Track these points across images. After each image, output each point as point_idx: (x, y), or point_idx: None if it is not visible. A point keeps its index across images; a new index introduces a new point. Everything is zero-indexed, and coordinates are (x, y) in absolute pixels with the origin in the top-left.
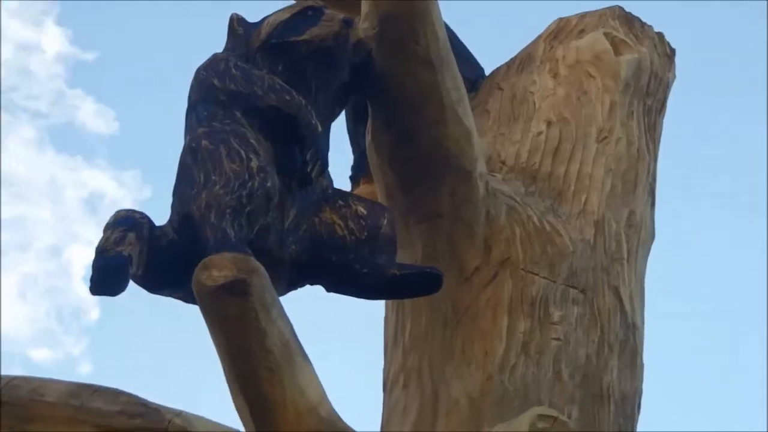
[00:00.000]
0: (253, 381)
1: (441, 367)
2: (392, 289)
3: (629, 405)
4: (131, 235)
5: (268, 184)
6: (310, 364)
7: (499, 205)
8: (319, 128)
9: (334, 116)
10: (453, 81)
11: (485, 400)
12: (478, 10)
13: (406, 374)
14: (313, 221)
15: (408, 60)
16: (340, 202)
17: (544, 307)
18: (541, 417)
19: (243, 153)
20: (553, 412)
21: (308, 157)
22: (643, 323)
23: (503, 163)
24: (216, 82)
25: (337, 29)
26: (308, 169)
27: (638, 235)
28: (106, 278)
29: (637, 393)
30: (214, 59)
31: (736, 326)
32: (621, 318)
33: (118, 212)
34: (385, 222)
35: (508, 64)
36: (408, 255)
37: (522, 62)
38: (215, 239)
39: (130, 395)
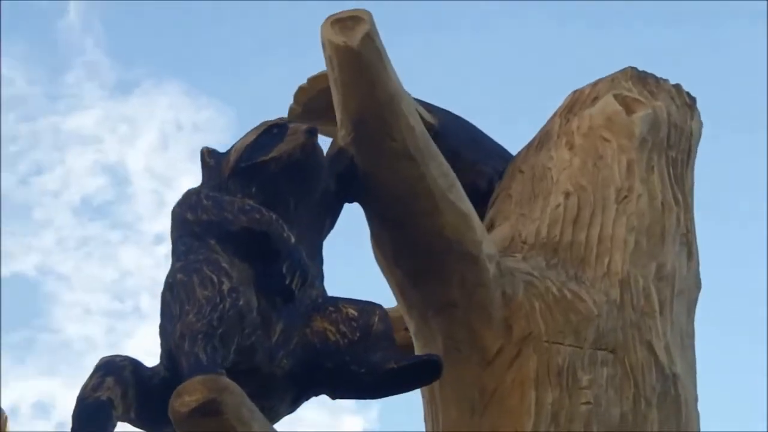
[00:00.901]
0: None
1: None
2: (393, 383)
3: None
4: (109, 380)
5: (240, 303)
6: None
7: (517, 283)
8: (292, 240)
9: (324, 227)
10: (439, 169)
11: None
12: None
13: None
14: (304, 332)
15: (388, 158)
16: (330, 308)
17: (572, 374)
18: None
19: (215, 278)
20: None
21: (284, 269)
22: (689, 372)
23: (524, 242)
24: (189, 215)
25: (302, 140)
26: (287, 282)
27: (671, 286)
28: (88, 425)
29: None
30: (187, 194)
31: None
32: (657, 370)
33: (101, 359)
34: (376, 319)
35: (528, 146)
36: (432, 348)
37: (541, 141)
38: (188, 365)
39: None
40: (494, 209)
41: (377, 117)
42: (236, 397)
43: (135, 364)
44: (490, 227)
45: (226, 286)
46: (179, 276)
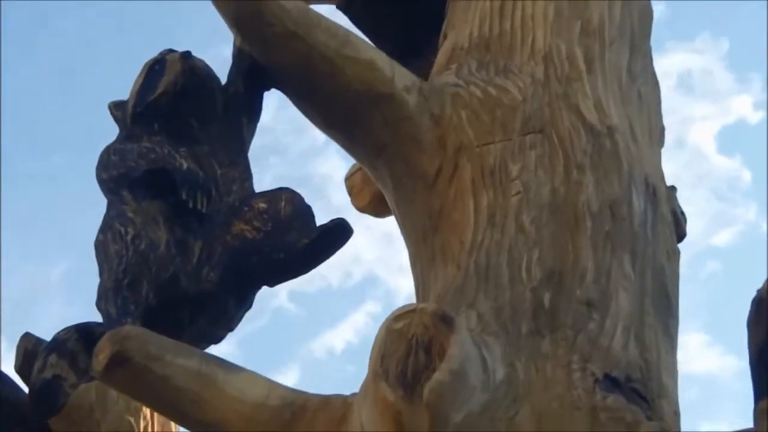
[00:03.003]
0: (188, 419)
1: (428, 280)
2: (311, 256)
3: (614, 206)
4: (52, 357)
5: (142, 247)
6: (243, 369)
7: (444, 100)
8: (185, 166)
9: (243, 128)
10: (326, 33)
11: (447, 294)
12: None
13: None
14: (225, 240)
15: (275, 43)
16: (245, 208)
17: (504, 169)
18: None
19: (123, 230)
20: None
21: (184, 196)
22: (636, 113)
23: (461, 48)
24: (104, 175)
25: (179, 67)
26: (191, 206)
27: (600, 38)
28: (39, 405)
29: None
30: (101, 154)
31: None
32: (586, 131)
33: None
34: (283, 204)
35: None
36: (387, 193)
37: None
38: (105, 323)
39: None
40: (445, 22)
41: (251, 10)
42: (138, 339)
43: (82, 330)
44: (444, 39)
45: (130, 235)
46: (99, 237)
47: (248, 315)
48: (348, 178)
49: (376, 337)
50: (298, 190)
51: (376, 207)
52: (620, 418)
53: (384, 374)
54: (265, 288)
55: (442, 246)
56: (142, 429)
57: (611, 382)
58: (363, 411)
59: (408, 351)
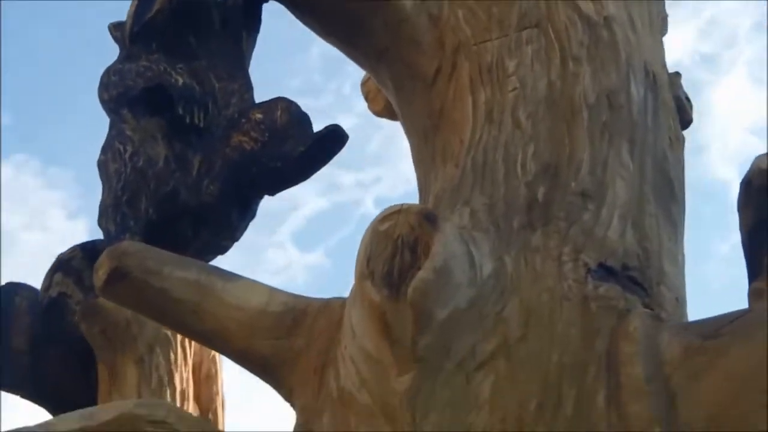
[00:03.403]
0: (188, 330)
1: (429, 180)
2: (309, 163)
3: (611, 96)
4: (57, 276)
5: (140, 164)
6: (243, 277)
7: (441, 2)
8: (181, 82)
9: (242, 40)
10: None
11: (445, 193)
12: None
13: None
14: (224, 152)
15: None
16: (243, 120)
17: (501, 65)
18: None
19: (122, 148)
20: None
21: (181, 111)
22: (629, 6)
23: None
24: (105, 95)
25: None
26: (188, 121)
27: None
28: (50, 320)
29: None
30: (102, 76)
31: None
32: (582, 23)
33: None
34: (279, 113)
35: None
36: (389, 96)
37: None
38: (105, 241)
39: None
40: None
41: None
42: (136, 254)
43: (86, 248)
44: None
45: (128, 153)
46: (101, 157)
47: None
48: (363, 84)
49: (363, 239)
50: None
51: (391, 111)
52: (612, 307)
53: (370, 275)
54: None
55: (442, 145)
56: (180, 341)
57: (606, 271)
58: (353, 313)
59: (394, 251)
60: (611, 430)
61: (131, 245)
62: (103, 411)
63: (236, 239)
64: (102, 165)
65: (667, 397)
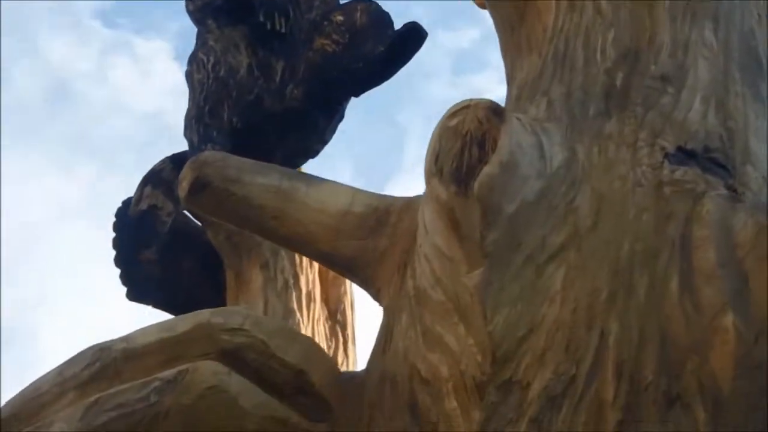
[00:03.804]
0: (272, 235)
1: (515, 71)
2: (389, 62)
3: None
4: (147, 188)
5: (222, 73)
6: (326, 180)
7: None
8: None
9: None
10: None
11: (527, 83)
12: None
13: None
14: (308, 56)
15: None
16: (325, 23)
17: None
18: None
19: (204, 58)
20: None
21: (262, 18)
22: None
23: None
24: (190, 6)
25: None
26: (269, 27)
27: None
28: (138, 236)
29: None
30: None
31: None
32: None
33: None
34: (358, 15)
35: None
36: None
37: None
38: (189, 153)
39: None
40: None
41: None
42: (216, 164)
43: (176, 159)
44: None
45: (211, 63)
46: (187, 68)
47: None
48: None
49: (432, 135)
50: None
51: None
52: (689, 191)
53: (438, 172)
54: None
55: (527, 35)
56: None
57: (685, 155)
58: (426, 211)
59: (462, 147)
60: (685, 316)
61: (211, 155)
62: (182, 322)
63: (326, 142)
64: (188, 76)
65: (740, 280)
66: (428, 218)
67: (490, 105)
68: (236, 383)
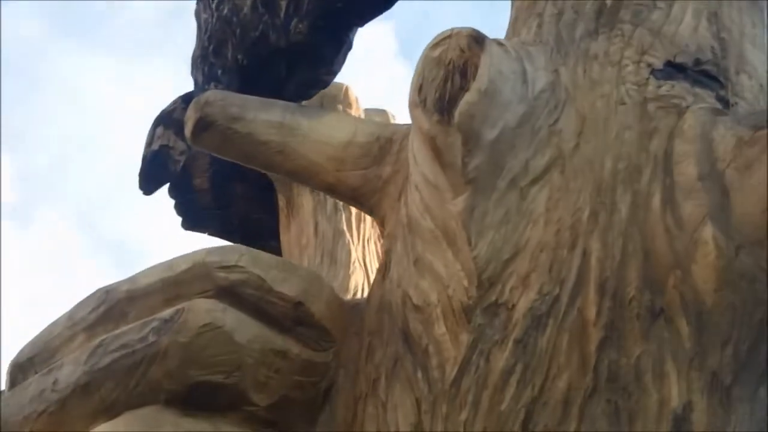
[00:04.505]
0: (278, 169)
1: None
2: None
3: None
4: (159, 129)
5: (225, 12)
6: (328, 112)
7: None
8: None
9: None
10: None
11: (522, 7)
12: None
13: None
14: None
15: None
16: None
17: None
18: None
19: None
20: None
21: None
22: None
23: None
24: None
25: None
26: None
27: None
28: (149, 177)
29: None
30: None
31: None
32: None
33: None
34: None
35: None
36: None
37: None
38: (194, 92)
39: None
40: None
41: None
42: (218, 103)
43: (187, 99)
44: None
45: (216, 2)
46: (195, 7)
47: None
48: None
49: (416, 67)
50: None
51: None
52: (674, 106)
53: (422, 103)
54: None
55: None
56: None
57: (675, 69)
58: (414, 140)
59: (446, 76)
60: (667, 231)
61: (213, 94)
62: (180, 261)
63: (335, 72)
64: (196, 15)
65: (721, 192)
66: (416, 148)
67: (471, 33)
68: (231, 319)
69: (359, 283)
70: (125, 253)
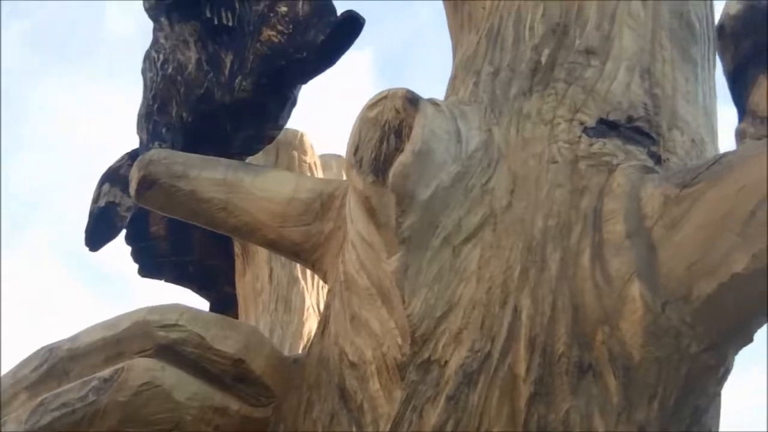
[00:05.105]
0: (221, 226)
1: (457, 49)
2: (331, 50)
3: None
4: (105, 186)
5: (170, 71)
6: (270, 169)
7: None
8: None
9: None
10: None
11: (462, 62)
12: None
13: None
14: (256, 48)
15: None
16: (270, 14)
17: None
18: None
19: (156, 56)
20: None
21: (208, 14)
22: None
23: None
24: (146, 5)
25: None
26: (216, 22)
27: None
28: (95, 234)
29: None
30: None
31: None
32: None
33: None
34: (300, 4)
35: None
36: None
37: None
38: (139, 150)
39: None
40: None
41: None
42: (161, 161)
43: (133, 155)
44: None
45: (160, 61)
46: (142, 66)
47: None
48: None
49: (352, 128)
50: None
51: None
52: (605, 163)
53: (357, 163)
54: None
55: (469, 13)
56: None
57: (607, 126)
58: (351, 199)
59: (381, 137)
60: (596, 287)
61: (157, 153)
62: (122, 319)
63: (281, 127)
64: (143, 74)
65: (649, 249)
66: (352, 207)
67: (405, 94)
68: (170, 377)
69: (313, 329)
70: (109, 281)
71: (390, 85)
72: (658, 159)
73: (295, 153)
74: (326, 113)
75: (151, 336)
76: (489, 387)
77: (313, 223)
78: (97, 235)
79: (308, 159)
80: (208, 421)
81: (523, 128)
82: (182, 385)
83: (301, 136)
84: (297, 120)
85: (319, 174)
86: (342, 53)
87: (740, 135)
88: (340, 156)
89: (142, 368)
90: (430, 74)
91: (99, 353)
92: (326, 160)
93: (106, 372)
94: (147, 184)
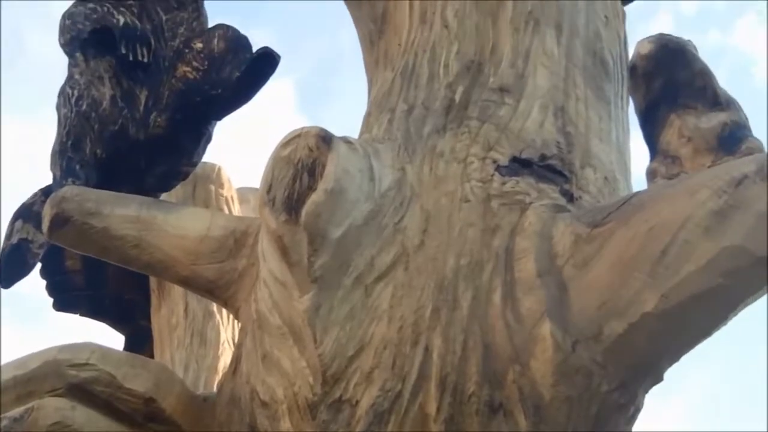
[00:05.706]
0: (134, 263)
1: (372, 86)
2: (248, 86)
3: None
4: (18, 223)
5: (84, 107)
6: (185, 206)
7: None
8: (122, 22)
9: None
10: None
11: (377, 99)
12: None
13: None
14: (171, 84)
15: None
16: (186, 50)
17: None
18: None
19: (70, 92)
20: None
21: (123, 50)
22: None
23: None
24: (61, 40)
25: None
26: (131, 58)
27: None
28: (7, 271)
29: None
30: (59, 21)
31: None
32: None
33: None
34: (216, 40)
35: None
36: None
37: None
38: (52, 187)
39: None
40: None
41: None
42: (74, 199)
43: (47, 192)
44: None
45: (74, 97)
46: (57, 102)
47: None
48: None
49: (266, 167)
50: None
51: None
52: (518, 202)
53: (270, 202)
54: None
55: (385, 50)
56: None
57: (520, 164)
58: (263, 237)
59: (294, 176)
60: (507, 326)
61: (70, 190)
62: (33, 358)
63: (196, 163)
64: (57, 110)
65: (560, 288)
66: (264, 245)
67: (319, 132)
68: (81, 417)
69: (228, 363)
70: (25, 305)
71: (313, 113)
72: (570, 197)
73: (212, 187)
74: (247, 144)
75: (62, 375)
76: (400, 426)
77: (227, 260)
78: (9, 272)
79: (225, 192)
80: None
81: (437, 166)
82: (93, 424)
83: (219, 169)
84: (216, 152)
85: (236, 207)
86: (257, 89)
87: (651, 174)
88: (257, 189)
89: (53, 408)
90: (354, 100)
91: (10, 392)
92: (243, 193)
93: (17, 411)
94: (60, 221)
